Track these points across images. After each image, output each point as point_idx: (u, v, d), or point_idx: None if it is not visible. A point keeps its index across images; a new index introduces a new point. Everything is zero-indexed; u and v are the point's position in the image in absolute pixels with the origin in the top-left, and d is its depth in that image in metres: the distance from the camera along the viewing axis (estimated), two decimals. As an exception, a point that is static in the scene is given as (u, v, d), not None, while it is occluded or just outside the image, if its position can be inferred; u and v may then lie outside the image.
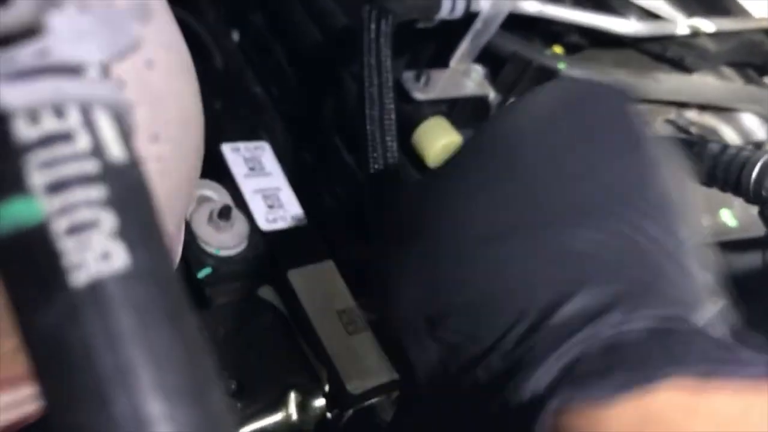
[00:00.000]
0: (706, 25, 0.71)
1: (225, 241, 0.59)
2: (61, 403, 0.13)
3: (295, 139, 0.80)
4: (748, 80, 0.80)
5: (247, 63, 0.83)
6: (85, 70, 0.14)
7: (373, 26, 0.59)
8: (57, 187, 0.13)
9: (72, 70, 0.14)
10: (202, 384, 0.13)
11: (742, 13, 0.76)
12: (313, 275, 0.62)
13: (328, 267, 0.63)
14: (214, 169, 0.65)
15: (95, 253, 0.13)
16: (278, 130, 0.80)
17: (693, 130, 0.79)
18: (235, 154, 0.66)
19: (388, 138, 0.58)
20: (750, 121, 0.80)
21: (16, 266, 0.13)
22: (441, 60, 0.71)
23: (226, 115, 0.71)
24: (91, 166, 0.14)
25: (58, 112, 0.14)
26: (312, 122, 0.80)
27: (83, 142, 0.14)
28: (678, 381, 0.21)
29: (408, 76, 0.67)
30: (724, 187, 0.49)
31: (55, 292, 0.13)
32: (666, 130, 0.78)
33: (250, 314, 0.57)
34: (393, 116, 0.58)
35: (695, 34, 0.71)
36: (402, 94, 0.66)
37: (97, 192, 0.13)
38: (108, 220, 0.13)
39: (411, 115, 0.67)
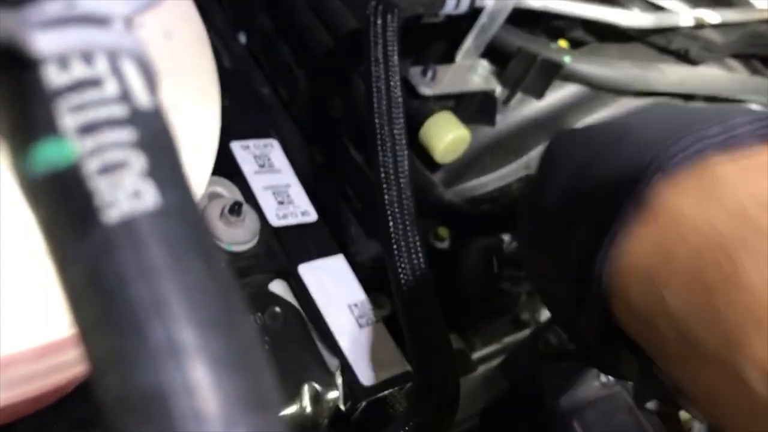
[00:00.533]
0: (711, 16, 0.72)
1: (236, 237, 0.59)
2: (96, 333, 0.13)
3: (304, 139, 0.81)
4: (754, 71, 0.80)
5: (254, 65, 0.84)
6: (111, 21, 0.15)
7: (379, 21, 0.59)
8: (88, 129, 0.14)
9: (99, 20, 0.14)
10: (233, 315, 0.14)
11: (746, 4, 0.77)
12: (323, 269, 0.62)
13: (339, 261, 0.63)
14: (224, 166, 0.65)
15: (127, 192, 0.13)
16: (287, 130, 0.80)
17: (700, 122, 0.79)
18: (244, 152, 0.66)
19: (396, 132, 0.59)
20: (756, 112, 0.80)
21: (51, 206, 0.14)
22: (447, 55, 0.71)
23: (234, 113, 0.72)
24: (119, 110, 0.14)
25: (87, 59, 0.14)
26: (320, 122, 0.80)
27: (112, 87, 0.14)
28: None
29: (415, 71, 0.68)
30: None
31: (89, 229, 0.13)
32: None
33: (263, 309, 0.57)
34: (401, 110, 0.59)
35: (700, 25, 0.72)
36: (409, 90, 0.67)
37: (127, 134, 0.14)
38: (138, 160, 0.14)
39: (418, 110, 0.68)
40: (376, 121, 0.58)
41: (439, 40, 0.74)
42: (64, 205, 0.13)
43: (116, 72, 0.14)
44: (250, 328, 0.14)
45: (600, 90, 0.73)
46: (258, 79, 0.83)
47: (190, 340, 0.13)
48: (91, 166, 0.13)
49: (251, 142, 0.67)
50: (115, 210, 0.13)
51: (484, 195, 0.76)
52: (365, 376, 0.57)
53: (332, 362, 0.57)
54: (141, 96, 0.14)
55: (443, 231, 0.80)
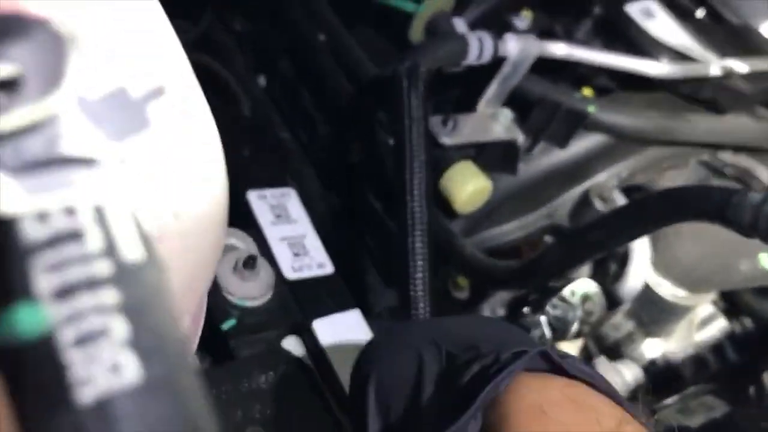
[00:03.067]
0: (739, 66, 0.70)
1: (250, 291, 0.58)
2: None
3: (323, 185, 0.80)
4: (784, 120, 0.78)
5: (274, 109, 0.83)
6: (99, 161, 0.13)
7: (409, 85, 0.58)
8: (64, 292, 0.12)
9: (84, 162, 0.13)
10: None
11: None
12: (339, 324, 0.60)
13: (355, 315, 0.62)
14: (240, 216, 0.64)
15: (104, 366, 0.12)
16: (306, 176, 0.79)
17: (727, 171, 0.77)
18: (261, 202, 0.65)
19: (420, 188, 0.58)
20: (787, 161, 0.78)
21: (20, 378, 0.12)
22: (468, 103, 0.70)
23: (253, 161, 0.71)
24: (101, 268, 0.12)
25: (68, 209, 0.13)
26: (339, 167, 0.79)
27: (94, 241, 0.13)
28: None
29: (435, 120, 0.66)
30: (767, 238, 0.47)
31: (59, 411, 0.12)
32: (699, 172, 0.77)
33: (275, 367, 0.55)
34: (427, 175, 0.58)
35: (728, 75, 0.70)
36: (430, 139, 0.65)
37: (108, 297, 0.12)
38: (119, 327, 0.12)
39: (438, 159, 0.66)
40: (407, 192, 0.57)
41: (460, 89, 0.73)
42: (33, 379, 0.12)
43: (100, 222, 0.13)
44: None
45: (625, 139, 0.71)
46: (277, 123, 0.82)
47: None
48: (66, 335, 0.12)
49: (268, 192, 0.66)
50: (90, 388, 0.12)
51: (504, 244, 0.75)
52: (380, 438, 0.55)
53: (346, 422, 0.55)
54: (127, 249, 0.13)
55: (462, 281, 0.78)
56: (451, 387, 0.40)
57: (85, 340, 0.12)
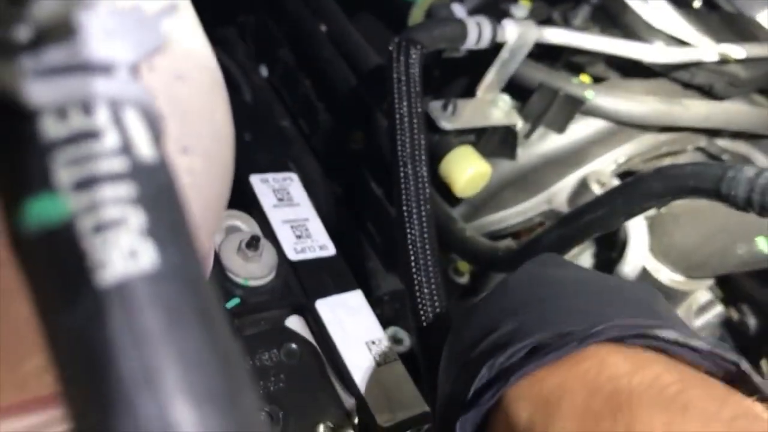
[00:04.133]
0: (736, 51, 0.71)
1: (253, 272, 0.58)
2: (84, 407, 0.12)
3: (324, 172, 0.81)
4: (781, 106, 0.79)
5: (275, 97, 0.84)
6: (116, 69, 0.14)
7: (402, 58, 0.59)
8: (84, 184, 0.13)
9: (102, 68, 0.14)
10: (233, 389, 0.13)
11: (771, 39, 0.76)
12: (341, 305, 0.61)
13: (357, 296, 0.62)
14: (243, 199, 0.65)
15: (122, 252, 0.13)
16: (307, 163, 0.80)
17: (725, 157, 0.78)
18: (263, 185, 0.66)
19: (418, 169, 0.58)
20: (783, 147, 0.78)
21: (41, 265, 0.13)
22: (468, 89, 0.71)
23: (255, 147, 0.72)
24: (118, 164, 0.13)
25: (87, 109, 0.13)
26: (340, 155, 0.80)
27: (111, 139, 0.13)
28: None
29: (435, 105, 0.67)
30: (762, 211, 0.48)
31: (79, 293, 0.12)
32: (697, 158, 0.77)
33: (278, 345, 0.56)
34: (424, 147, 0.58)
35: (725, 60, 0.71)
36: (429, 124, 0.66)
37: (125, 189, 0.13)
38: (136, 217, 0.13)
39: (438, 144, 0.67)
40: (399, 158, 0.57)
41: (460, 74, 0.73)
42: (54, 265, 0.13)
43: (117, 123, 0.14)
44: (253, 403, 0.13)
45: (623, 125, 0.72)
46: (279, 111, 0.83)
47: (185, 416, 0.12)
48: (86, 223, 0.13)
49: (270, 176, 0.67)
50: (108, 272, 0.12)
51: (504, 229, 0.75)
52: (382, 416, 0.55)
53: (348, 401, 0.56)
54: (143, 148, 0.14)
55: (463, 265, 0.79)
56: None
57: (103, 228, 0.13)
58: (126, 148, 0.13)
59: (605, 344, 0.32)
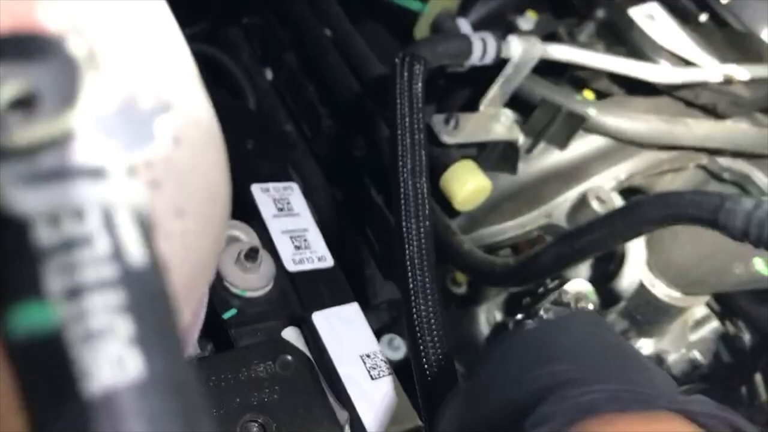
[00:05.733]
0: (740, 72, 0.71)
1: (251, 283, 0.59)
2: None
3: (325, 177, 0.81)
4: (783, 127, 0.79)
5: (279, 101, 0.84)
6: (109, 171, 0.14)
7: (405, 73, 0.59)
8: (73, 292, 0.13)
9: (94, 172, 0.14)
10: None
11: (776, 60, 0.75)
12: (337, 317, 0.61)
13: (353, 309, 0.63)
14: (244, 209, 0.65)
15: (109, 361, 0.13)
16: (309, 168, 0.80)
17: (726, 176, 0.78)
18: (264, 195, 0.66)
19: (419, 185, 0.58)
20: (784, 167, 0.78)
21: (29, 371, 0.13)
22: (471, 103, 0.71)
23: (257, 154, 0.72)
24: (109, 271, 0.14)
25: (79, 215, 0.14)
26: (342, 160, 0.80)
27: (102, 245, 0.14)
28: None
29: (437, 119, 0.67)
30: (758, 243, 0.48)
31: (66, 401, 0.13)
32: (698, 177, 0.77)
33: (274, 357, 0.56)
34: (425, 162, 0.58)
35: (728, 81, 0.71)
36: (431, 137, 0.66)
37: (114, 297, 0.13)
38: (124, 326, 0.13)
39: (439, 158, 0.67)
40: (400, 173, 0.57)
41: (463, 87, 0.73)
42: (42, 372, 0.13)
43: (109, 228, 0.14)
44: None
45: (624, 142, 0.72)
46: (282, 115, 0.83)
47: None
48: (74, 332, 0.13)
49: (271, 185, 0.67)
50: (95, 381, 0.13)
51: (502, 242, 0.76)
52: (375, 430, 0.56)
53: (342, 414, 0.56)
54: (134, 252, 0.14)
55: (461, 276, 0.79)
56: None
57: (92, 337, 0.13)
58: (116, 254, 0.14)
59: (672, 413, 0.36)
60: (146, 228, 0.14)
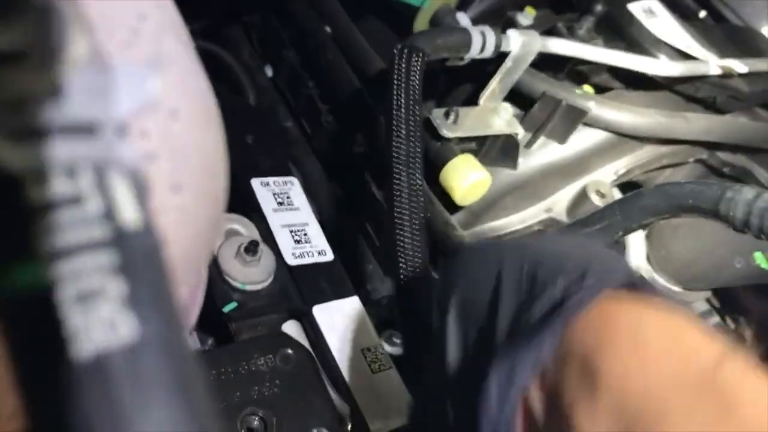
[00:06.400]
0: (739, 66, 0.71)
1: (251, 276, 0.59)
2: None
3: (325, 173, 0.81)
4: (783, 121, 0.79)
5: (279, 98, 0.84)
6: (101, 130, 0.14)
7: (403, 65, 0.59)
8: (64, 252, 0.13)
9: (86, 129, 0.14)
10: None
11: (776, 53, 0.75)
12: (338, 311, 0.61)
13: (354, 303, 0.63)
14: (244, 203, 0.65)
15: (102, 323, 0.13)
16: (309, 164, 0.80)
17: (725, 170, 0.78)
18: (264, 189, 0.66)
19: (413, 175, 0.58)
20: (784, 161, 0.78)
21: (19, 333, 0.13)
22: (470, 98, 0.71)
23: (257, 149, 0.72)
24: (101, 231, 0.13)
25: (70, 173, 0.13)
26: (342, 157, 0.80)
27: (94, 205, 0.14)
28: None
29: (437, 113, 0.67)
30: (759, 234, 0.48)
31: (58, 365, 0.13)
32: (697, 171, 0.77)
33: (274, 350, 0.56)
34: (420, 153, 0.58)
35: (728, 75, 0.70)
36: (431, 131, 0.66)
37: (106, 258, 0.13)
38: (116, 287, 0.13)
39: (439, 152, 0.67)
40: (394, 165, 0.57)
41: (462, 82, 0.73)
42: (32, 334, 0.13)
43: (101, 188, 0.14)
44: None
45: (624, 136, 0.72)
46: (282, 112, 0.83)
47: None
48: (65, 293, 0.13)
49: (271, 180, 0.67)
50: (87, 343, 0.13)
51: (503, 236, 0.76)
52: (375, 423, 0.56)
53: (343, 408, 0.56)
54: (127, 213, 0.14)
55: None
56: (527, 309, 0.37)
57: (83, 298, 0.13)
58: (109, 214, 0.14)
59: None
60: (140, 190, 0.14)
